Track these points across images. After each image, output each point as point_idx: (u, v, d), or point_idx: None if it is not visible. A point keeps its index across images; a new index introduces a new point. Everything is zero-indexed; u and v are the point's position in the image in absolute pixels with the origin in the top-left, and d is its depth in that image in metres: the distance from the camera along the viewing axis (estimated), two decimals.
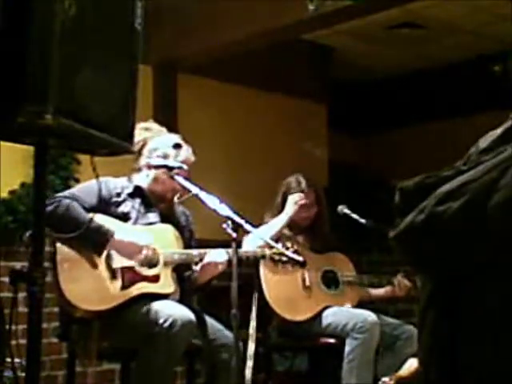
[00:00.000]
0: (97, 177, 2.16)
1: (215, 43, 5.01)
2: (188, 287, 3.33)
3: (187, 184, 3.18)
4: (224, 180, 5.10)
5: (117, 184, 3.27)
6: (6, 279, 2.01)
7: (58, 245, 3.03)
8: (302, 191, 3.98)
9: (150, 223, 3.26)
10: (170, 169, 3.25)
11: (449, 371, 1.46)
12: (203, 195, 3.00)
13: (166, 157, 3.28)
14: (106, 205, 3.17)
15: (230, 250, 2.94)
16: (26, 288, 1.87)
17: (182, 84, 5.48)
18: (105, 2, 1.91)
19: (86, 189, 3.14)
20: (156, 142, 3.32)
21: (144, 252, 3.12)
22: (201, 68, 5.49)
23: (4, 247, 4.47)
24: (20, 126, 1.77)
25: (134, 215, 3.23)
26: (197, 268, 3.31)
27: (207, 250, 3.23)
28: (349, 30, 5.71)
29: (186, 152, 3.34)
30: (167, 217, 3.34)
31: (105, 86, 1.89)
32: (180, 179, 3.21)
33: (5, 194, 4.56)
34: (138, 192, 3.29)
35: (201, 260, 3.26)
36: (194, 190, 3.10)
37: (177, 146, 3.32)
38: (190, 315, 3.00)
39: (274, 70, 5.96)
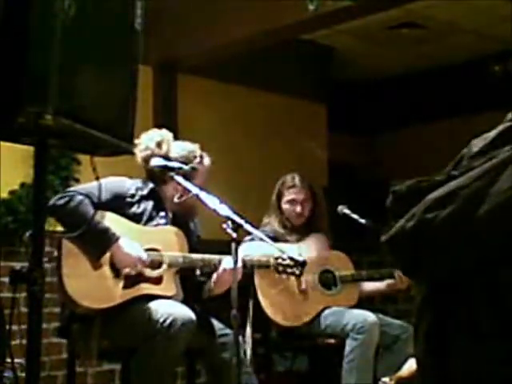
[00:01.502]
0: (97, 178, 2.15)
1: (215, 43, 5.01)
2: (198, 294, 3.33)
3: (187, 184, 3.18)
4: (224, 180, 5.09)
5: (132, 185, 3.28)
6: (6, 279, 2.01)
7: (65, 241, 3.04)
8: (294, 185, 3.96)
9: (159, 225, 3.27)
10: (171, 169, 3.25)
11: (445, 373, 1.46)
12: (203, 195, 3.01)
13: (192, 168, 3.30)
14: (118, 204, 3.17)
15: (241, 256, 2.94)
16: (26, 288, 1.87)
17: (181, 84, 5.48)
18: (105, 1, 1.91)
19: (99, 187, 3.13)
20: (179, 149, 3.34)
21: (137, 267, 3.11)
22: (201, 68, 5.49)
23: (4, 247, 4.47)
24: (20, 126, 1.77)
25: (145, 217, 3.24)
26: (212, 278, 3.29)
27: (221, 257, 3.23)
28: (349, 29, 5.71)
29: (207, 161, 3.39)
30: (178, 220, 3.34)
31: (105, 86, 1.89)
32: (180, 179, 3.21)
33: (5, 194, 4.56)
34: (152, 194, 3.30)
35: (206, 266, 3.25)
36: (194, 190, 3.10)
37: (201, 158, 3.37)
38: (190, 314, 3.00)
39: (274, 70, 5.95)
